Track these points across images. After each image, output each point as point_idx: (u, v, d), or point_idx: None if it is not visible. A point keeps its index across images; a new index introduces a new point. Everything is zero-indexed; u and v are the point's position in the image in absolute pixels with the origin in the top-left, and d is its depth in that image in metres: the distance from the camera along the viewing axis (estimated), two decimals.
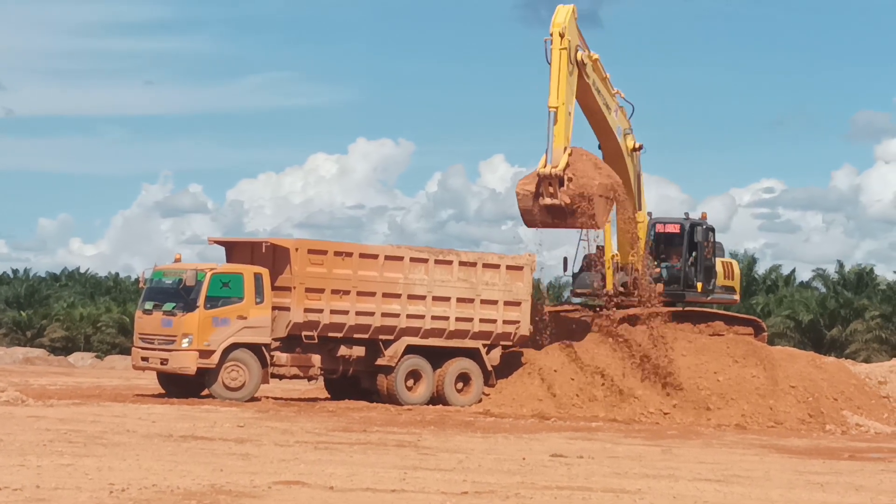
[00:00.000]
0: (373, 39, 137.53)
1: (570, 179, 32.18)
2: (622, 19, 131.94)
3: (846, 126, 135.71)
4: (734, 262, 38.74)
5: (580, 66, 33.14)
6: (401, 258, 32.68)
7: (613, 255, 36.35)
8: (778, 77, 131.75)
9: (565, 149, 32.33)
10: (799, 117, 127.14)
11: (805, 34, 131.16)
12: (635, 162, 35.91)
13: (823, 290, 73.28)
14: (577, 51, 32.94)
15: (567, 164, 32.26)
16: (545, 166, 32.29)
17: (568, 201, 32.11)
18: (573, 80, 32.88)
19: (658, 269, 36.27)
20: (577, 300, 38.61)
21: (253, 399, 31.63)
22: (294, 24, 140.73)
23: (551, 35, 32.50)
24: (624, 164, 35.42)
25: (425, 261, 32.90)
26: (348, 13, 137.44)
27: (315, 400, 33.56)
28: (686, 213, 37.35)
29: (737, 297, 38.31)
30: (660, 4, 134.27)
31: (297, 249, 31.70)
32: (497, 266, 33.66)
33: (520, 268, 33.91)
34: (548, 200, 32.29)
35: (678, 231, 36.58)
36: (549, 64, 32.44)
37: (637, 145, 35.83)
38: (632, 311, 35.87)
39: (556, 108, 32.23)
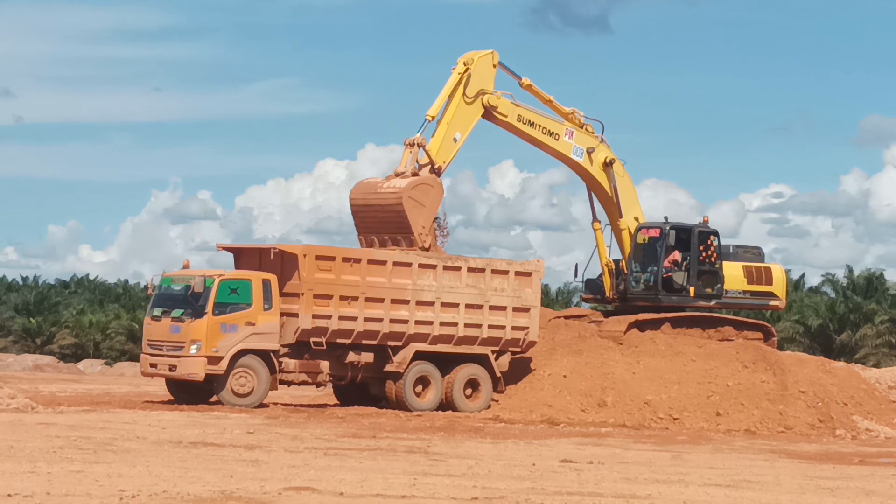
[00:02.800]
0: (381, 45, 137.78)
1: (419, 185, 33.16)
2: (631, 25, 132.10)
3: (855, 130, 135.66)
4: (774, 267, 38.42)
5: (489, 107, 34.28)
6: (409, 264, 32.68)
7: (607, 263, 36.60)
8: (786, 82, 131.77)
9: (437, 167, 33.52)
10: (808, 122, 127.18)
11: (814, 39, 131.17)
12: (610, 176, 36.12)
13: (833, 294, 73.21)
14: (480, 93, 34.12)
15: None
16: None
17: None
18: (472, 112, 34.10)
19: (642, 274, 36.51)
20: (587, 305, 38.72)
21: (262, 405, 31.63)
22: (302, 30, 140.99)
23: (456, 63, 34.09)
24: (595, 181, 36.01)
25: (434, 267, 32.89)
26: (356, 19, 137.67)
27: (324, 406, 33.56)
28: (665, 217, 37.26)
29: (777, 302, 38.10)
30: (668, 10, 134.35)
31: (305, 255, 31.71)
32: (506, 272, 33.65)
33: (529, 274, 33.91)
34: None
35: (658, 235, 36.61)
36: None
37: (609, 159, 36.02)
38: (641, 316, 35.93)
39: (433, 117, 33.61)
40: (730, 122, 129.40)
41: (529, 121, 35.05)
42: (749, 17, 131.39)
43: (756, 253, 38.12)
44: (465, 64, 34.01)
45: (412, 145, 33.40)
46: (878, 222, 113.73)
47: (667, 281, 36.24)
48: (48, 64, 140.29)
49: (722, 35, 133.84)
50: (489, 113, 34.43)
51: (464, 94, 33.95)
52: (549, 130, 35.33)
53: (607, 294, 36.86)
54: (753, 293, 37.50)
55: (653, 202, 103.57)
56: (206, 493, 16.37)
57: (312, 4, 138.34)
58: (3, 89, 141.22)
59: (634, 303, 36.64)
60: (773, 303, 38.08)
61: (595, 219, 36.96)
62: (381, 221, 33.38)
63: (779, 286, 37.98)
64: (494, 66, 34.54)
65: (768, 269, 37.96)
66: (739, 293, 37.28)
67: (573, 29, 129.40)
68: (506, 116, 34.65)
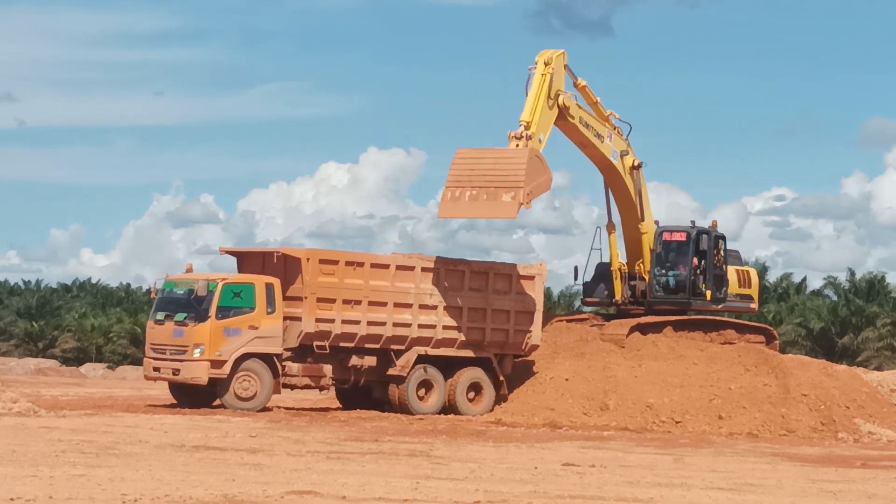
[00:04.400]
0: (384, 49, 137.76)
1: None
2: (633, 28, 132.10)
3: (857, 133, 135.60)
4: (751, 270, 38.74)
5: (563, 109, 33.81)
6: (412, 268, 32.70)
7: (620, 265, 36.55)
8: (788, 85, 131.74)
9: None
10: (809, 125, 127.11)
11: (815, 42, 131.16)
12: (635, 179, 36.06)
13: (835, 297, 73.19)
14: (557, 94, 33.59)
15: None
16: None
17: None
18: (551, 115, 33.50)
19: (666, 278, 36.42)
20: (588, 308, 38.68)
21: (265, 409, 31.65)
22: (304, 34, 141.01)
23: (535, 63, 33.35)
24: (623, 184, 35.78)
25: (437, 270, 32.90)
26: (359, 22, 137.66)
27: (327, 410, 33.58)
28: (692, 221, 37.37)
29: (754, 305, 38.30)
30: (671, 13, 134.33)
31: (308, 259, 31.73)
32: (508, 276, 33.66)
33: (531, 277, 33.92)
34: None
35: (684, 239, 36.60)
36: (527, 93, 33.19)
37: (637, 163, 35.99)
38: (643, 319, 35.94)
39: (528, 122, 32.80)
40: (731, 125, 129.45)
41: (586, 123, 34.75)
42: (751, 19, 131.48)
43: (737, 256, 38.33)
44: (545, 63, 33.48)
45: (518, 138, 32.67)
46: (880, 225, 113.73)
47: (694, 285, 36.40)
48: (50, 67, 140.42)
49: (724, 38, 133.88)
50: (561, 114, 33.89)
51: (548, 95, 33.46)
52: (598, 133, 35.10)
53: (617, 298, 36.69)
54: (741, 296, 37.69)
55: (654, 205, 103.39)
56: (209, 497, 16.38)
57: (314, 8, 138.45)
58: (5, 93, 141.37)
59: (656, 307, 36.58)
60: (752, 305, 38.30)
61: (610, 221, 36.67)
62: (486, 173, 32.40)
63: (755, 289, 38.27)
64: (565, 65, 34.17)
65: (749, 273, 38.26)
66: (734, 297, 37.45)
67: (575, 32, 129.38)
68: (573, 119, 34.27)
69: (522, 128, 32.71)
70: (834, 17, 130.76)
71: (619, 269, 36.63)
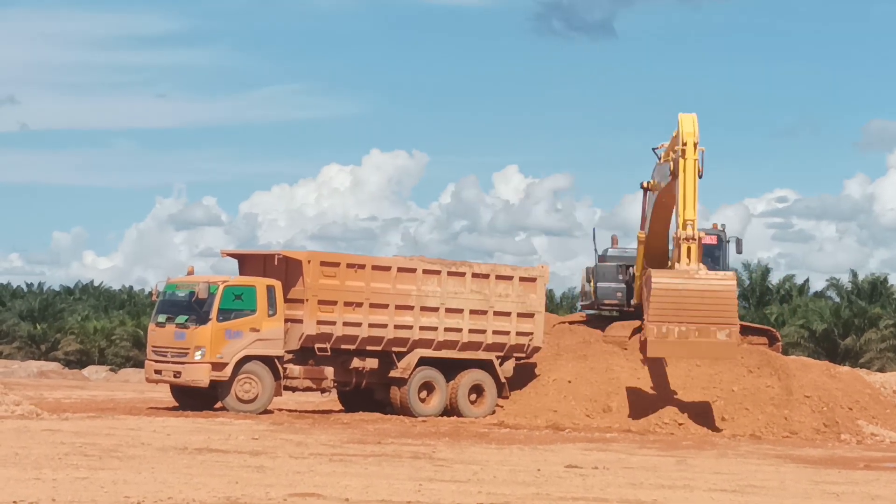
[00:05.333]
0: (386, 51, 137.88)
1: None
2: (635, 30, 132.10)
3: (859, 135, 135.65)
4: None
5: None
6: (414, 270, 32.69)
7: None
8: (790, 86, 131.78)
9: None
10: (811, 126, 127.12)
11: (817, 44, 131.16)
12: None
13: (837, 299, 73.19)
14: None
15: None
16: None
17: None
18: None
19: None
20: (590, 311, 38.58)
21: (266, 411, 31.64)
22: (306, 36, 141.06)
23: (684, 145, 31.45)
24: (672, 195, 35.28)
25: (438, 272, 32.91)
26: (360, 24, 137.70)
27: (329, 412, 33.56)
28: (723, 225, 37.10)
29: None
30: (673, 15, 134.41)
31: (309, 262, 31.73)
32: (510, 278, 33.65)
33: (533, 279, 33.89)
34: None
35: (716, 243, 36.45)
36: (673, 175, 31.66)
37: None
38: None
39: (693, 220, 31.44)
40: (734, 127, 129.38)
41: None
42: (753, 21, 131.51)
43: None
44: (695, 144, 31.54)
45: (689, 239, 31.33)
46: (883, 226, 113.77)
47: None
48: (52, 70, 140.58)
49: (726, 40, 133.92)
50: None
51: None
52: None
53: (635, 301, 36.45)
54: None
55: None
56: (212, 500, 16.38)
57: (317, 10, 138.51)
58: (7, 96, 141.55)
59: None
60: None
61: (642, 228, 36.08)
62: (693, 307, 31.07)
63: None
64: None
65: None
66: None
67: (578, 34, 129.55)
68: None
69: (690, 227, 31.26)
70: (836, 20, 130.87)
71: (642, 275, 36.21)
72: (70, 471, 18.86)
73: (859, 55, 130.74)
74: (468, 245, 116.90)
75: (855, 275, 74.42)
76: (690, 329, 30.69)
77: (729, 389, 33.49)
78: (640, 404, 32.99)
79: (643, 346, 31.23)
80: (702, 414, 32.86)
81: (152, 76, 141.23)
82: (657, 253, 34.74)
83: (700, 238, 31.44)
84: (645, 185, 34.27)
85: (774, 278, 77.16)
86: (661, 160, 33.41)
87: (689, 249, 31.23)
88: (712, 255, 36.63)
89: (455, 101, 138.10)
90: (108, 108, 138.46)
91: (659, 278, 31.00)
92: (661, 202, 34.02)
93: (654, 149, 34.23)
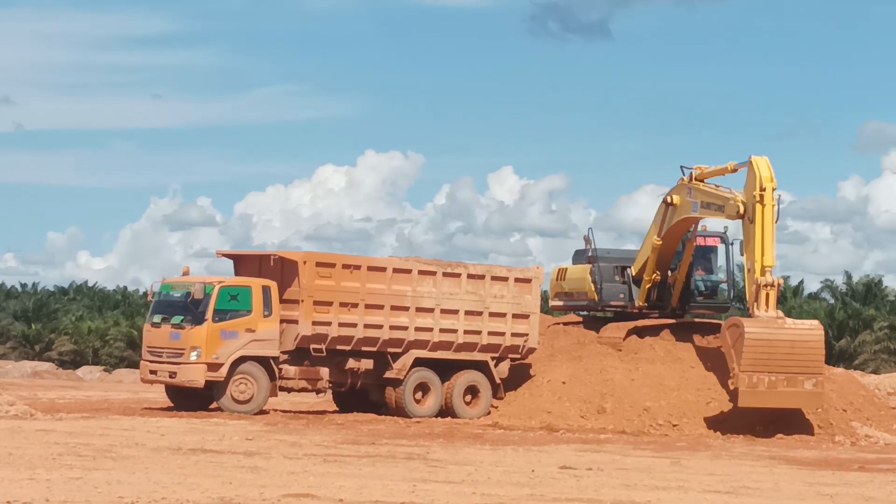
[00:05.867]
0: (382, 52, 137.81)
1: None
2: (631, 32, 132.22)
3: (854, 137, 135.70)
4: None
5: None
6: (409, 271, 32.70)
7: (655, 275, 36.04)
8: (785, 88, 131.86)
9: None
10: (806, 128, 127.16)
11: (812, 46, 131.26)
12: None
13: (832, 301, 73.23)
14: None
15: None
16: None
17: None
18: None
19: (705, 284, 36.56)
20: (582, 312, 38.53)
21: (261, 412, 31.63)
22: (301, 37, 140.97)
23: (763, 190, 31.88)
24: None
25: (433, 273, 32.92)
26: (356, 25, 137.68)
27: (323, 413, 33.56)
28: (725, 227, 37.24)
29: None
30: (669, 16, 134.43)
31: (305, 262, 31.74)
32: (505, 279, 33.65)
33: (528, 280, 33.91)
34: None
35: (719, 244, 36.51)
36: (751, 222, 32.00)
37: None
38: (640, 322, 35.89)
39: (773, 266, 31.90)
40: (729, 129, 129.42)
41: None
42: (749, 23, 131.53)
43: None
44: (773, 189, 32.02)
45: (769, 286, 31.81)
46: (877, 228, 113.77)
47: (724, 290, 36.61)
48: (47, 71, 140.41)
49: (721, 42, 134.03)
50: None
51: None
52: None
53: (640, 303, 36.38)
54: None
55: (651, 209, 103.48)
56: (205, 500, 16.38)
57: (312, 11, 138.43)
58: (3, 96, 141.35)
59: (694, 312, 36.59)
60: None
61: (659, 235, 35.40)
62: (783, 357, 31.61)
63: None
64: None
65: None
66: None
67: (573, 35, 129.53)
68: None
69: (769, 274, 31.79)
70: (831, 22, 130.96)
71: (653, 278, 36.20)
72: (64, 471, 18.86)
73: (855, 57, 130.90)
74: (463, 246, 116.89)
75: (849, 276, 74.54)
76: (779, 379, 31.48)
77: (723, 391, 33.48)
78: (635, 406, 33.00)
79: (734, 395, 31.73)
80: (696, 415, 32.86)
81: (148, 77, 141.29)
82: (664, 262, 35.61)
83: (779, 284, 32.04)
84: (668, 200, 34.55)
85: None
86: (713, 195, 33.54)
87: (767, 296, 31.76)
88: (715, 258, 36.66)
89: (450, 103, 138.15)
90: (104, 108, 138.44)
91: (752, 328, 31.49)
92: (683, 223, 34.78)
93: (682, 167, 34.72)
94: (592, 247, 36.75)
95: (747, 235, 32.51)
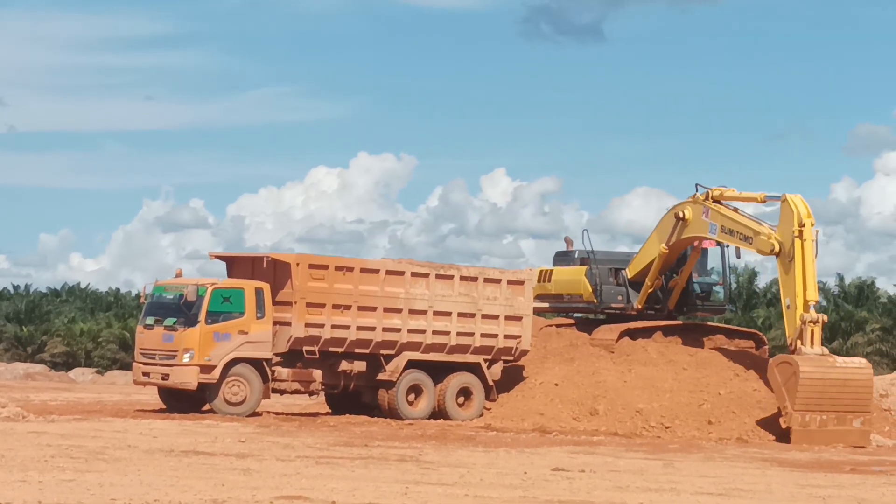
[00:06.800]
0: (374, 53, 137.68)
1: None
2: (624, 33, 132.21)
3: (845, 139, 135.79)
4: None
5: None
6: (402, 273, 32.71)
7: (658, 278, 36.07)
8: (777, 90, 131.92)
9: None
10: (798, 130, 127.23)
11: (805, 48, 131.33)
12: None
13: (824, 303, 73.24)
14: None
15: None
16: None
17: None
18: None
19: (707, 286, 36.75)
20: (578, 315, 38.56)
21: (254, 414, 31.62)
22: (294, 39, 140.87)
23: (802, 226, 32.34)
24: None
25: (426, 275, 32.93)
26: (349, 27, 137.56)
27: (316, 415, 33.55)
28: None
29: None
30: (662, 19, 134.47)
31: (297, 264, 31.73)
32: (498, 281, 33.67)
33: (521, 282, 33.93)
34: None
35: (713, 246, 36.52)
36: (789, 260, 32.34)
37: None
38: (633, 324, 35.92)
39: (816, 301, 32.30)
40: (721, 131, 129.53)
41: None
42: (741, 26, 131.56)
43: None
44: (812, 224, 32.51)
45: (814, 322, 32.03)
46: (869, 230, 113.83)
47: (719, 293, 36.70)
48: (40, 72, 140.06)
49: (715, 44, 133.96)
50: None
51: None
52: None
53: (638, 306, 36.40)
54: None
55: (643, 210, 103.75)
56: (198, 502, 16.37)
57: (305, 13, 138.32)
58: None
59: (693, 313, 36.68)
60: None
61: (667, 243, 35.47)
62: (834, 396, 31.89)
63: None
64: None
65: None
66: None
67: (566, 37, 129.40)
68: None
69: (812, 309, 32.10)
70: (823, 24, 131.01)
71: (655, 283, 36.22)
72: (56, 473, 18.84)
73: (847, 60, 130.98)
74: (456, 248, 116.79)
75: (842, 278, 74.57)
76: (830, 417, 31.81)
77: (716, 393, 33.55)
78: (627, 407, 33.03)
79: (787, 433, 31.83)
80: (689, 417, 32.90)
81: (140, 78, 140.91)
82: (668, 268, 35.86)
83: (824, 321, 32.27)
84: (681, 215, 34.68)
85: (761, 282, 77.30)
86: (744, 231, 33.70)
87: (812, 332, 32.00)
88: (712, 261, 36.68)
89: (443, 104, 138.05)
90: (96, 110, 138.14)
91: (806, 367, 31.64)
92: (692, 238, 35.06)
93: (697, 184, 35.00)
94: (590, 248, 36.74)
95: (783, 271, 32.64)
